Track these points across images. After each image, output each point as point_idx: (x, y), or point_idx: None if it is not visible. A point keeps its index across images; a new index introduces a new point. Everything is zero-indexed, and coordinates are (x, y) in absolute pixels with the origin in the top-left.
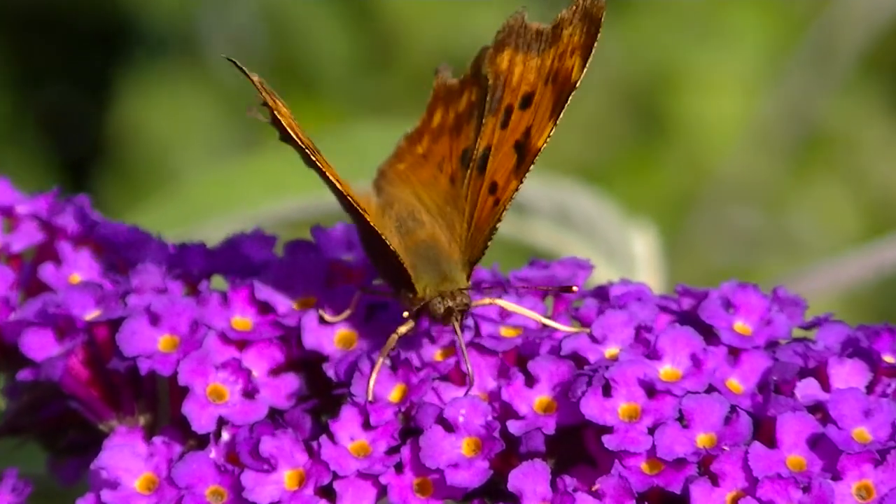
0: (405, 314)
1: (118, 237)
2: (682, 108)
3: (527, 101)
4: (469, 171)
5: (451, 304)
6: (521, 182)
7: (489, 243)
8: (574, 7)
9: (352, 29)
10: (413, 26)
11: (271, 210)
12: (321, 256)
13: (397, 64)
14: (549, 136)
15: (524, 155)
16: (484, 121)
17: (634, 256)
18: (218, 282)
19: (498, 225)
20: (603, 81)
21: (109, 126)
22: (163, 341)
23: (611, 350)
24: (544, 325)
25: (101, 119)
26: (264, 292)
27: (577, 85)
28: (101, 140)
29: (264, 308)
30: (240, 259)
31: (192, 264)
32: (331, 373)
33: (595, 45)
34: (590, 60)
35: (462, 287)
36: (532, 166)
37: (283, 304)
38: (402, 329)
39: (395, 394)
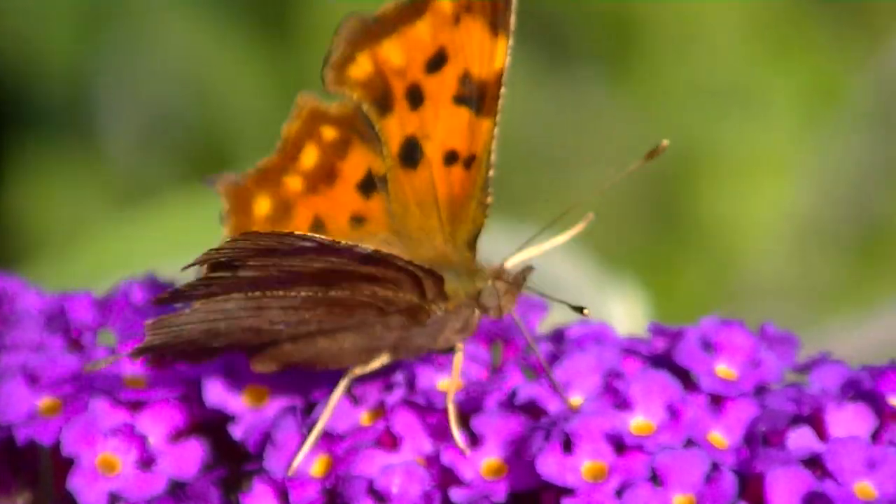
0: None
1: None
2: (707, 195)
3: (437, 61)
4: (390, 183)
5: (507, 284)
6: (497, 115)
7: (488, 202)
8: None
9: (281, 102)
10: None
11: (175, 267)
12: None
13: None
14: (507, 52)
15: (478, 95)
16: (378, 127)
17: (612, 319)
18: (106, 337)
19: (490, 174)
20: (613, 160)
21: None
22: (43, 405)
23: (574, 399)
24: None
25: None
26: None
27: None
28: None
29: (160, 363)
30: (131, 309)
31: (75, 316)
32: (238, 434)
33: None
34: None
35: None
36: (502, 90)
37: None
38: (460, 358)
39: (317, 467)
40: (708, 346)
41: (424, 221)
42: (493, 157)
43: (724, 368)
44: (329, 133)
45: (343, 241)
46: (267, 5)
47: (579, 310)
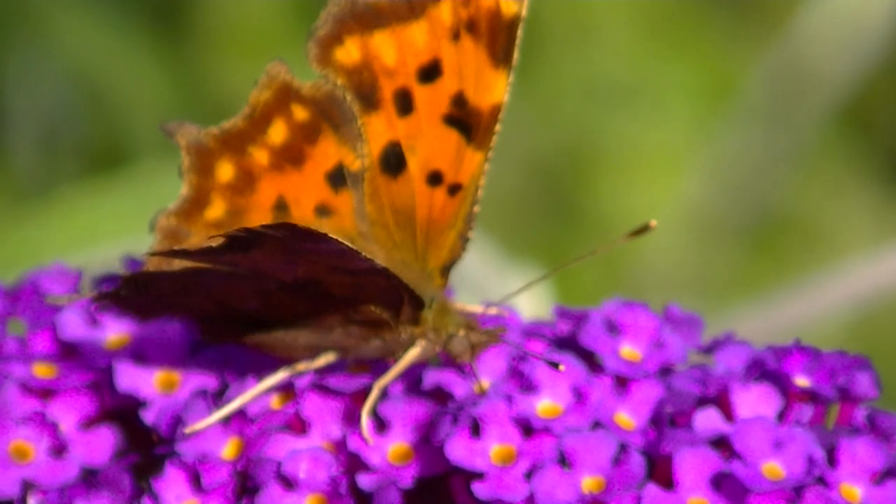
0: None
1: None
2: (604, 189)
3: (431, 72)
4: (366, 184)
5: (477, 338)
6: (489, 150)
7: (469, 235)
8: None
9: (178, 103)
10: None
11: (81, 261)
12: None
13: None
14: (507, 88)
15: (471, 123)
16: (361, 122)
17: (515, 306)
18: (17, 327)
19: (475, 210)
20: (511, 156)
21: None
22: None
23: (481, 384)
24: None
25: None
26: (68, 332)
27: (523, 16)
28: None
29: (70, 350)
30: (39, 298)
31: None
32: (150, 419)
33: None
34: None
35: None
36: (497, 126)
37: (92, 344)
38: (415, 353)
39: (229, 449)
40: (612, 327)
41: (397, 233)
42: (480, 193)
43: (629, 350)
44: (300, 113)
45: (363, 252)
46: (162, 4)
47: (555, 365)
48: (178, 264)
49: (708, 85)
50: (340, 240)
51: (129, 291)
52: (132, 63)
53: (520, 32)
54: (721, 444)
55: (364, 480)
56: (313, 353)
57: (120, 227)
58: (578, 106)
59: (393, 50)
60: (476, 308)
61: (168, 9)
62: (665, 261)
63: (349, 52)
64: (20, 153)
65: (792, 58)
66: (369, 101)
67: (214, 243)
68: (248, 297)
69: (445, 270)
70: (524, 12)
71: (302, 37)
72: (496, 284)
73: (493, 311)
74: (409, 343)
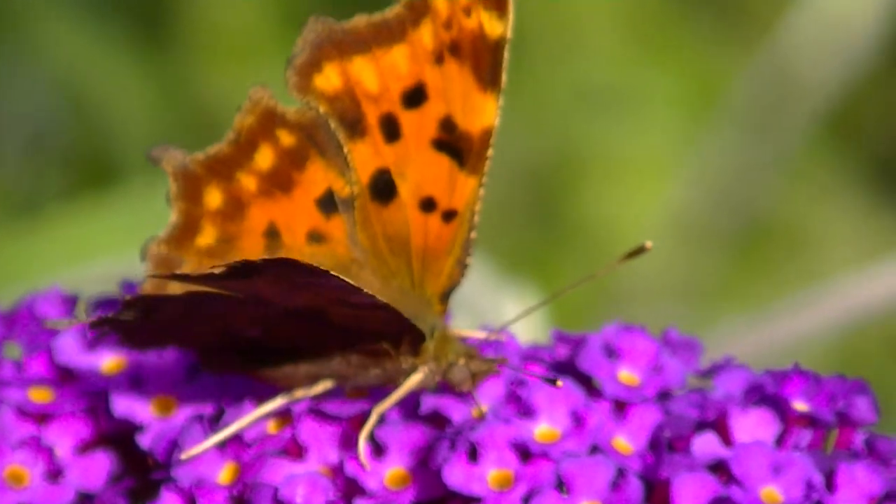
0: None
1: None
2: (588, 197)
3: (416, 96)
4: (357, 211)
5: (477, 367)
6: (483, 175)
7: (468, 262)
8: None
9: (163, 110)
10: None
11: (72, 277)
12: None
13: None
14: (497, 111)
15: (462, 147)
16: (347, 149)
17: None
18: (12, 350)
19: (473, 235)
20: (495, 164)
21: None
22: None
23: (480, 408)
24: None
25: None
26: (65, 356)
27: (507, 37)
28: None
29: (66, 375)
30: (35, 322)
31: None
32: (146, 443)
33: None
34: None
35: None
36: (490, 151)
37: (89, 368)
38: (416, 379)
39: (225, 474)
40: (611, 352)
41: (392, 261)
42: (476, 218)
43: (627, 374)
44: (286, 139)
45: (364, 289)
46: (146, 12)
47: (552, 381)
48: (176, 289)
49: (693, 92)
50: (340, 276)
51: (130, 315)
52: (117, 70)
53: (506, 54)
54: (719, 468)
55: None
56: (312, 381)
57: (111, 243)
58: (564, 113)
59: (374, 75)
60: (474, 334)
61: (152, 16)
62: (651, 267)
63: (329, 78)
64: (5, 164)
65: (778, 64)
66: (354, 128)
67: (216, 271)
68: (250, 324)
69: (444, 297)
70: (509, 33)
71: (286, 43)
72: (486, 299)
73: (491, 336)
74: (410, 371)
